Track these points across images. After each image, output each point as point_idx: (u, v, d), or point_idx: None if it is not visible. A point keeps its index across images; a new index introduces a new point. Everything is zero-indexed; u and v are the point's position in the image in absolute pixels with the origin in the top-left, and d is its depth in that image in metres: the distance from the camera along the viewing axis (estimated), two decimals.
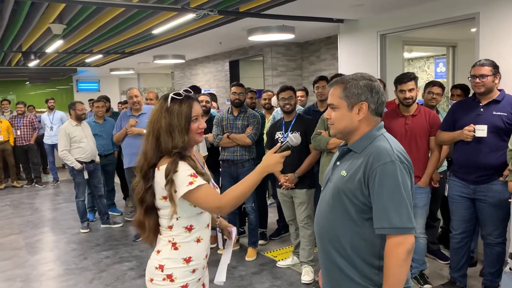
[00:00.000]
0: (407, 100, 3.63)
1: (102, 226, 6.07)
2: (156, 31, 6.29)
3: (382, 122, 1.85)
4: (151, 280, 1.95)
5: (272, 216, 5.65)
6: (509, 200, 3.18)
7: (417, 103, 3.77)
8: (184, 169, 1.85)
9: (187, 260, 1.93)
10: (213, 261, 4.82)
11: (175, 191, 1.84)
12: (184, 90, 1.98)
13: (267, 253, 4.84)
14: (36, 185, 9.34)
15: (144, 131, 2.07)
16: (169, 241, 1.94)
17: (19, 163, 9.52)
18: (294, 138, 1.93)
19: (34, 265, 4.81)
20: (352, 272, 1.77)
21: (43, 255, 5.16)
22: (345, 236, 1.77)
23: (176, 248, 1.93)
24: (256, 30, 6.42)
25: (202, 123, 1.97)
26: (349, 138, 1.84)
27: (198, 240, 1.96)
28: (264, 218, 5.24)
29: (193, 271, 1.96)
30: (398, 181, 1.67)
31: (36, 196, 8.36)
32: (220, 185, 5.04)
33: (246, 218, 4.88)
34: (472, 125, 3.33)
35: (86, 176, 5.79)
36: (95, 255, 5.01)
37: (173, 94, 1.93)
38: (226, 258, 2.20)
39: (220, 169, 4.87)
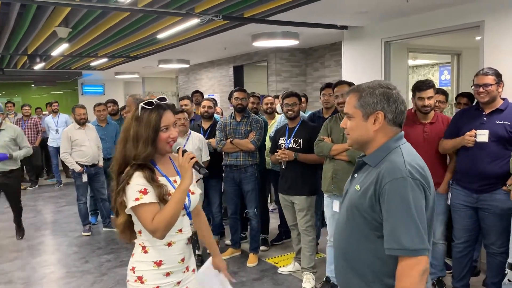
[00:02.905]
0: (426, 108, 3.64)
1: (103, 229, 6.08)
2: (161, 36, 6.31)
3: (402, 133, 1.75)
4: (127, 281, 2.01)
5: (274, 222, 5.63)
6: None
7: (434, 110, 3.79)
8: (135, 183, 1.87)
9: (158, 264, 1.95)
10: None
11: (126, 205, 1.89)
12: (158, 99, 1.97)
13: (269, 259, 4.82)
14: (37, 183, 9.49)
15: None
16: (140, 245, 1.99)
17: (23, 165, 9.56)
18: (175, 145, 2.01)
19: (35, 267, 4.81)
20: None
21: (44, 257, 5.16)
22: (358, 253, 1.72)
23: (146, 251, 1.97)
24: (260, 35, 6.44)
25: (173, 133, 1.97)
26: (366, 149, 1.77)
27: (169, 244, 1.97)
28: (265, 224, 5.23)
29: (167, 274, 1.97)
30: (408, 199, 1.57)
31: (39, 199, 8.38)
32: (223, 190, 5.04)
33: (248, 224, 4.87)
34: (473, 130, 3.32)
35: (84, 179, 5.81)
36: (96, 258, 5.01)
37: (143, 104, 1.93)
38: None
39: (223, 174, 4.87)
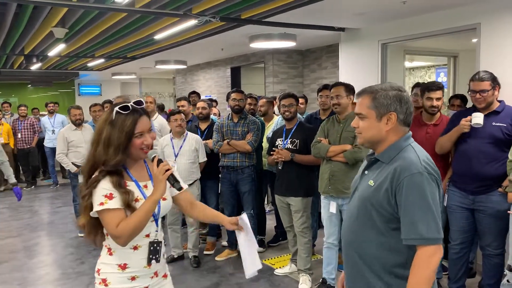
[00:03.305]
0: (433, 108, 3.68)
1: None
2: (158, 37, 6.31)
3: (410, 132, 1.87)
4: (95, 282, 1.99)
5: (271, 223, 5.63)
6: (508, 211, 3.17)
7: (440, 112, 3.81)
8: (101, 187, 1.84)
9: (122, 267, 1.92)
10: (211, 268, 4.78)
11: (92, 209, 1.86)
12: (134, 102, 1.91)
13: (265, 260, 4.81)
14: (35, 184, 9.39)
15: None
16: (106, 246, 1.97)
17: (20, 166, 9.52)
18: (151, 152, 1.96)
19: (31, 268, 4.79)
20: (377, 283, 1.79)
21: (40, 258, 5.14)
22: (371, 246, 1.79)
23: (111, 254, 1.94)
24: (257, 37, 6.44)
25: (147, 140, 1.91)
26: (376, 148, 1.86)
27: (134, 248, 1.93)
28: (262, 225, 5.23)
29: (132, 278, 1.93)
30: (425, 192, 1.68)
31: (35, 199, 8.35)
32: (219, 191, 5.04)
33: None
34: (469, 116, 3.33)
35: (80, 180, 5.78)
36: (92, 259, 4.98)
37: (119, 108, 1.87)
38: (249, 248, 2.12)
39: (220, 175, 4.86)
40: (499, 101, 3.41)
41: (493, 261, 3.42)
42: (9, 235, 5.97)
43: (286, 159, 4.06)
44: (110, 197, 1.82)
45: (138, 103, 1.92)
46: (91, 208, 1.86)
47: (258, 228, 4.96)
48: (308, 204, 4.14)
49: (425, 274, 1.66)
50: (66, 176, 8.22)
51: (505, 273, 3.16)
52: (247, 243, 2.13)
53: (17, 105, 10.26)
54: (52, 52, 7.70)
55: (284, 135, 4.23)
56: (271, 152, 4.20)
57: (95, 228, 1.94)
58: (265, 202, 6.07)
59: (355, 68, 5.88)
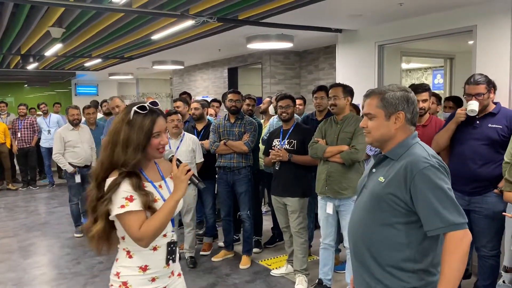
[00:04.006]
0: (420, 110, 3.66)
1: None
2: (155, 37, 6.31)
3: (416, 132, 1.92)
4: (111, 285, 1.98)
5: (267, 224, 5.63)
6: (503, 213, 3.18)
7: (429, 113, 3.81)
8: (122, 190, 1.82)
9: (143, 269, 1.92)
10: (207, 269, 4.78)
11: (111, 211, 1.83)
12: (150, 103, 1.93)
13: (261, 261, 4.82)
14: (31, 187, 9.32)
15: None
16: (124, 249, 1.95)
17: (18, 165, 9.47)
18: (168, 153, 1.98)
19: (26, 268, 4.77)
20: (385, 275, 1.82)
21: (36, 259, 5.13)
22: (381, 241, 1.83)
23: (130, 257, 1.93)
24: (255, 38, 6.45)
25: (163, 139, 1.92)
26: (385, 146, 1.92)
27: (154, 249, 1.93)
28: (259, 226, 5.23)
29: (152, 279, 1.94)
30: (440, 183, 1.74)
31: (31, 199, 8.32)
32: (216, 192, 5.04)
33: (241, 226, 4.87)
34: (463, 107, 3.35)
35: (78, 180, 5.79)
36: (88, 260, 4.98)
37: (137, 108, 1.88)
38: None
39: (216, 176, 4.86)
40: (495, 103, 3.43)
41: (488, 262, 3.43)
42: (5, 235, 5.95)
43: (284, 159, 4.07)
44: (130, 199, 1.81)
45: (154, 103, 1.95)
46: (108, 213, 1.84)
47: (255, 229, 4.97)
48: (305, 205, 4.15)
49: (458, 258, 1.71)
50: (62, 176, 8.18)
51: (501, 272, 3.17)
52: None
53: (13, 105, 10.23)
54: (49, 52, 7.68)
55: (281, 135, 4.25)
56: (270, 151, 4.21)
57: (106, 233, 1.91)
58: (262, 203, 6.07)
59: (352, 70, 5.89)
